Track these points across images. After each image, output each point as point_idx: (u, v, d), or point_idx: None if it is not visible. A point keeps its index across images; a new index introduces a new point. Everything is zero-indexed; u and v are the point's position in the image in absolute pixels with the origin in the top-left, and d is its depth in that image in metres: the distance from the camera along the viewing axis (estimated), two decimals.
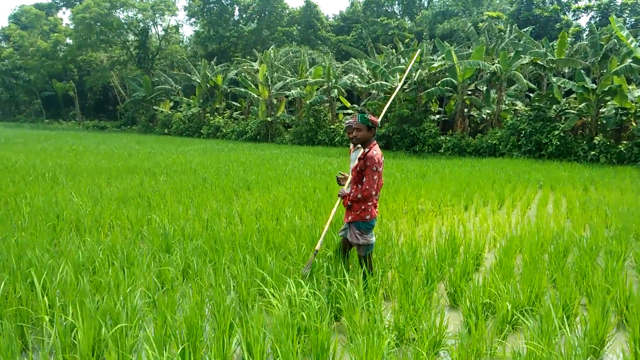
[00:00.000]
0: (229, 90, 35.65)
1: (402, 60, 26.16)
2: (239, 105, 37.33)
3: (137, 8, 43.19)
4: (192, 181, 10.07)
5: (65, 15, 57.77)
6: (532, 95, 23.31)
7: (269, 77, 30.55)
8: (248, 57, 39.62)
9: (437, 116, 25.57)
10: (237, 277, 3.93)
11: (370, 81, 26.63)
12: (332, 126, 27.40)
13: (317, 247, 4.24)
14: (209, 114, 35.49)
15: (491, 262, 5.21)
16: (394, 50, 29.06)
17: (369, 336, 3.02)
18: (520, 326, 3.70)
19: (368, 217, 4.08)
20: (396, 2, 48.36)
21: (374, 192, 4.03)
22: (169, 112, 39.19)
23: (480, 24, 32.88)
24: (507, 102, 23.50)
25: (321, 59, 35.49)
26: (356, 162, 4.15)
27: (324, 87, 27.98)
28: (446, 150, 21.26)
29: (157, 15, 44.20)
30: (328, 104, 28.43)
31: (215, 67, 36.21)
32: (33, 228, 5.26)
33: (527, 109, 20.49)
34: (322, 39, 45.33)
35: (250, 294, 3.58)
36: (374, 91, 26.37)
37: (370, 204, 4.09)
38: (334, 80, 27.50)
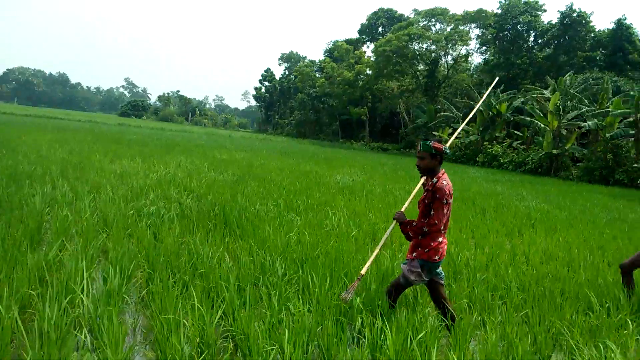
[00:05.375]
0: (512, 118, 34.23)
1: None
2: (520, 134, 35.42)
3: (432, 40, 45.85)
4: (471, 210, 10.08)
5: (368, 49, 65.61)
6: None
7: (560, 106, 28.00)
8: (538, 84, 37.18)
9: None
10: (532, 322, 3.78)
11: None
12: (635, 165, 23.19)
13: (363, 271, 3.82)
14: (487, 142, 34.80)
15: None
16: None
17: None
18: None
19: (437, 257, 3.62)
20: None
21: (442, 228, 3.60)
22: (447, 138, 40.09)
23: None
24: None
25: (629, 87, 30.53)
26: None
27: (631, 119, 23.97)
28: None
29: (449, 45, 46.00)
30: (633, 139, 24.23)
31: (500, 94, 35.29)
32: (342, 235, 6.21)
33: None
34: (632, 64, 38.93)
35: (548, 344, 3.40)
36: None
37: (441, 240, 3.65)
38: None
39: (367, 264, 3.86)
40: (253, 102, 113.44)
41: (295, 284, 4.25)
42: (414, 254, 3.71)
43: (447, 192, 3.61)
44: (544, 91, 31.65)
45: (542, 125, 28.92)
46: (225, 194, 8.48)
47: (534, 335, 3.58)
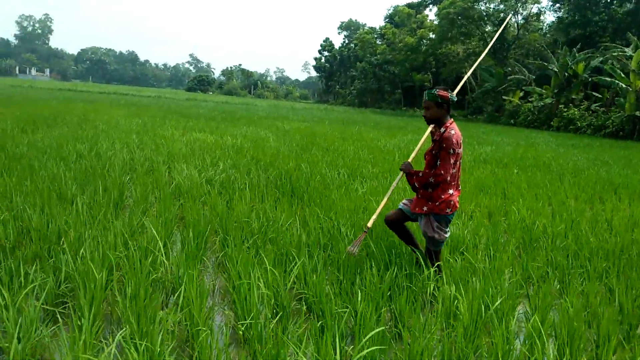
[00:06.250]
0: (589, 79, 31.79)
1: None
2: (599, 96, 32.89)
3: None
4: (548, 177, 9.57)
5: (431, 12, 63.03)
6: None
7: None
8: (618, 42, 34.12)
9: None
10: (616, 291, 3.57)
11: None
12: None
13: (369, 224, 3.80)
14: (562, 105, 32.66)
15: None
16: None
17: None
18: None
19: (449, 210, 3.58)
20: None
21: (449, 178, 3.48)
22: (518, 102, 38.02)
23: None
24: None
25: None
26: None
27: None
28: None
29: (518, 4, 43.06)
30: None
31: (577, 54, 32.78)
32: None
33: None
34: None
35: (635, 314, 3.19)
36: None
37: (452, 192, 3.56)
38: None
39: (374, 217, 3.85)
40: (313, 73, 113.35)
41: (364, 250, 4.25)
42: (425, 208, 3.64)
43: (455, 142, 3.50)
44: (626, 49, 29.01)
45: (624, 86, 26.70)
46: (290, 163, 8.58)
47: (620, 304, 3.38)
